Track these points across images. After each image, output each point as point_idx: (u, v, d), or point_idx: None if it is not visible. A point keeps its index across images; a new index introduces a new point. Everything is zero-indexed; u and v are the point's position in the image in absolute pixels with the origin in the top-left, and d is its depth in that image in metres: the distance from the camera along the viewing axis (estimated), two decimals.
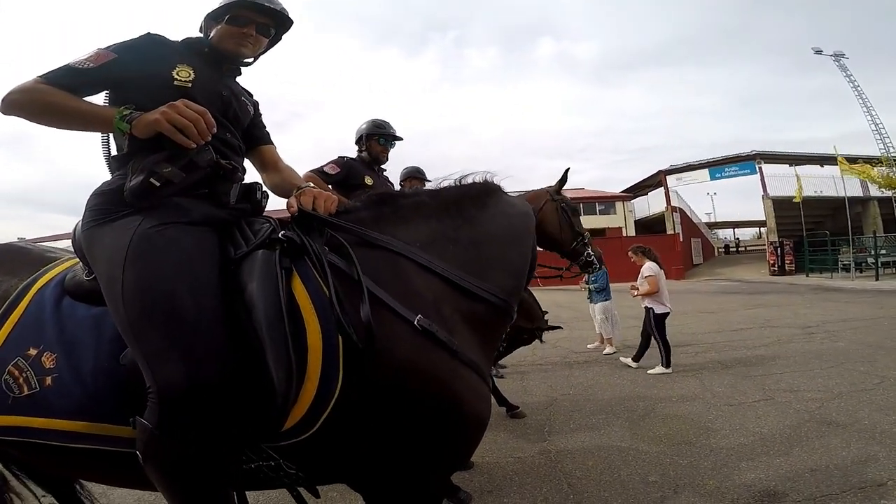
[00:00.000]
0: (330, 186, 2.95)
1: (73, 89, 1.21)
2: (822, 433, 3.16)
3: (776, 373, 4.79)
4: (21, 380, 1.12)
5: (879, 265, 17.40)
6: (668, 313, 5.28)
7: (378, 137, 3.30)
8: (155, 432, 0.98)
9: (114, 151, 1.30)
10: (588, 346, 6.82)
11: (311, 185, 1.43)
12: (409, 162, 4.50)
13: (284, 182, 1.55)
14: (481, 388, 1.22)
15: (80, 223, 1.24)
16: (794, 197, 20.32)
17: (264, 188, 1.42)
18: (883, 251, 18.42)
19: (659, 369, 5.10)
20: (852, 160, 20.69)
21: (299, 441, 1.05)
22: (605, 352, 6.32)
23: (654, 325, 5.23)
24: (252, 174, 1.54)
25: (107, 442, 1.09)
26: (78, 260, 1.33)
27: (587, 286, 6.54)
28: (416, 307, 1.14)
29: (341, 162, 3.17)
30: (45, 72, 1.21)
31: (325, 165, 3.11)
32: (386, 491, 1.18)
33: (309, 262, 1.15)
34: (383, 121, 3.37)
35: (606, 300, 6.48)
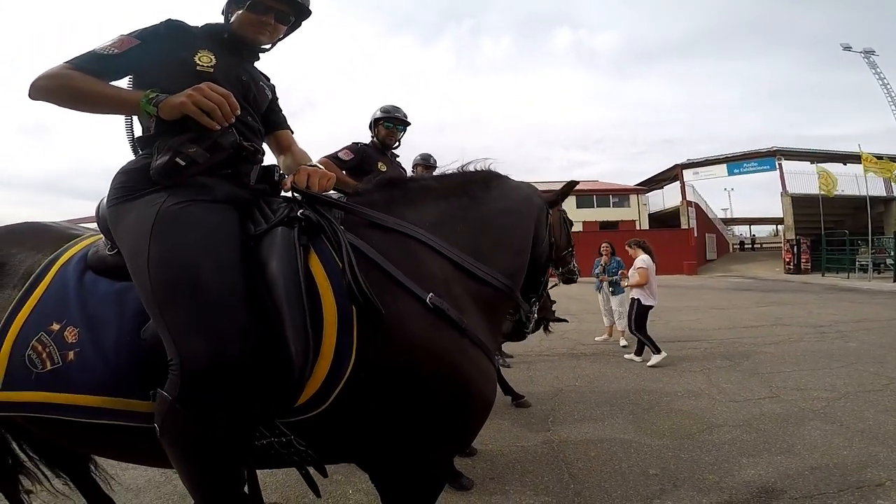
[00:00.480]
0: (344, 172, 2.99)
1: (99, 74, 1.24)
2: (826, 432, 3.17)
3: (784, 371, 4.79)
4: (44, 355, 1.14)
5: None
6: (652, 306, 5.60)
7: (384, 121, 3.35)
8: (175, 405, 1.00)
9: (137, 133, 1.34)
10: (596, 338, 6.86)
11: (312, 163, 1.48)
12: (424, 150, 4.55)
13: (294, 164, 1.57)
14: (488, 368, 1.25)
15: (105, 200, 1.28)
16: (827, 193, 19.85)
17: (281, 170, 1.44)
18: None
19: (655, 359, 5.24)
20: (877, 158, 20.15)
21: (311, 417, 1.08)
22: (621, 343, 6.35)
23: (636, 316, 5.54)
24: (269, 157, 1.58)
25: (126, 417, 1.11)
26: (99, 236, 1.37)
27: (609, 278, 6.54)
28: (427, 285, 1.18)
29: (355, 148, 3.22)
30: (70, 58, 1.24)
31: (339, 151, 3.17)
32: (391, 469, 1.22)
33: (325, 240, 1.19)
34: (392, 105, 3.42)
35: (623, 292, 6.49)
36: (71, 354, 1.14)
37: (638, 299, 5.56)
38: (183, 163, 1.16)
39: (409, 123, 3.43)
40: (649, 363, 5.25)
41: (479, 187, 1.49)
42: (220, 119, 1.17)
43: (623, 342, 6.36)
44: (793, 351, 5.69)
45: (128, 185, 1.24)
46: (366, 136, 3.45)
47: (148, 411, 1.08)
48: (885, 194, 23.72)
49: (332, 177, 1.37)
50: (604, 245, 6.77)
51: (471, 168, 1.57)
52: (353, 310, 1.09)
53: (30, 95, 1.23)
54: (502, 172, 1.63)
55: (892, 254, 17.82)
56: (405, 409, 1.13)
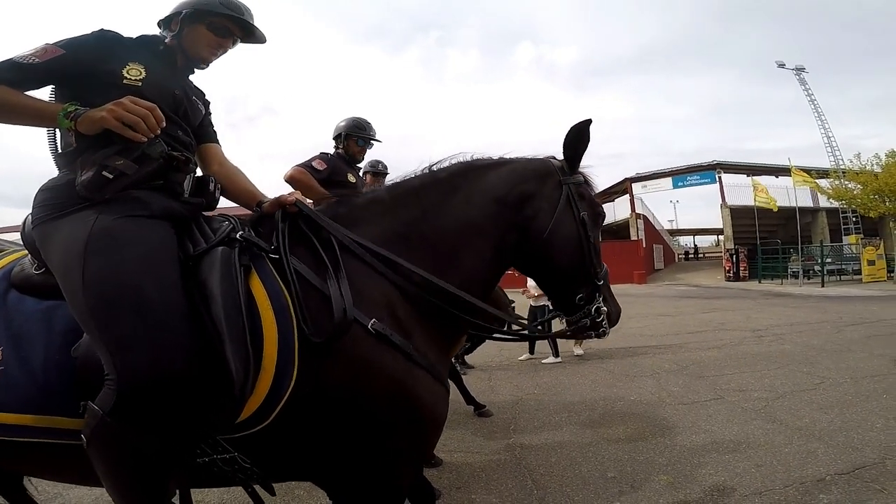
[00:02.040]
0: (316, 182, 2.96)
1: (16, 84, 1.18)
2: (767, 431, 3.37)
3: (727, 373, 5.06)
4: None
5: (825, 273, 18.49)
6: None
7: (357, 138, 3.33)
8: (106, 418, 0.99)
9: (60, 148, 1.29)
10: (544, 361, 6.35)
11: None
12: (386, 160, 4.49)
13: (227, 179, 1.53)
14: (436, 388, 1.25)
15: (31, 218, 1.23)
16: (772, 206, 21.12)
17: (216, 181, 1.42)
18: (829, 260, 19.62)
19: (550, 359, 6.07)
20: (805, 171, 21.77)
21: (254, 433, 1.09)
22: (576, 353, 6.41)
23: (549, 322, 5.75)
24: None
25: (54, 435, 1.09)
26: (22, 253, 1.33)
27: None
28: (369, 310, 1.18)
29: (326, 158, 3.20)
30: None
31: (312, 160, 3.12)
32: (345, 487, 1.22)
33: (267, 261, 1.20)
34: (364, 121, 3.39)
35: None
36: None
37: (547, 306, 5.73)
38: (111, 175, 1.14)
39: (379, 141, 3.43)
40: (545, 361, 6.05)
41: (436, 194, 1.42)
42: (145, 131, 1.15)
43: (578, 350, 6.45)
44: (734, 354, 6.02)
45: (53, 203, 1.19)
46: (329, 146, 3.42)
47: (77, 428, 1.06)
48: (812, 205, 25.63)
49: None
50: None
51: (441, 166, 1.49)
52: (295, 330, 1.11)
53: None
54: (485, 158, 1.50)
55: (820, 261, 19.26)
56: (350, 429, 1.14)
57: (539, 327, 2.06)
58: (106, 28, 1.32)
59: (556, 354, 6.14)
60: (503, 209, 1.42)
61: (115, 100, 1.15)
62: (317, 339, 1.10)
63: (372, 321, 1.16)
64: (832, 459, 2.85)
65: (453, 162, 1.50)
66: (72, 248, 1.10)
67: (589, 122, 1.44)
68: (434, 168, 1.48)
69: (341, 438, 1.14)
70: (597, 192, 1.60)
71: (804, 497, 2.44)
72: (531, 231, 1.42)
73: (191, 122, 1.46)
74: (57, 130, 1.28)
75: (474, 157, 1.51)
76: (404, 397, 1.16)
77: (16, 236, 1.43)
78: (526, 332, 1.83)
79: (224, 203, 1.47)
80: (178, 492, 1.35)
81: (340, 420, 1.13)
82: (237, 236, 1.21)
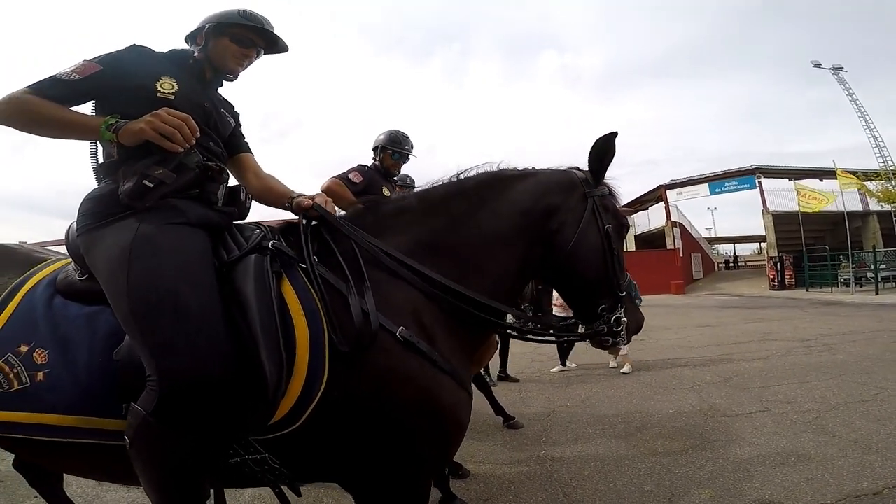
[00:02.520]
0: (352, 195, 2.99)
1: (60, 100, 1.25)
2: (819, 444, 3.15)
3: (774, 385, 4.78)
4: (11, 375, 1.15)
5: (879, 279, 17.42)
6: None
7: (392, 152, 3.36)
8: (149, 418, 1.03)
9: (101, 159, 1.35)
10: (611, 364, 6.16)
11: (305, 195, 1.48)
12: (408, 166, 4.51)
13: (264, 187, 1.60)
14: (460, 393, 1.26)
15: (76, 227, 1.29)
16: (815, 208, 20.22)
17: (248, 191, 1.49)
18: (882, 265, 18.44)
19: (558, 367, 6.12)
20: (851, 174, 20.74)
21: (285, 435, 1.11)
22: (611, 365, 6.08)
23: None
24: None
25: (97, 435, 1.13)
26: (66, 261, 1.39)
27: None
28: (397, 318, 1.21)
29: (363, 171, 3.24)
30: (31, 83, 1.25)
31: (349, 173, 3.16)
32: (369, 489, 1.23)
33: (298, 269, 1.24)
34: (401, 135, 3.40)
35: None
36: (40, 375, 1.15)
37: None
38: (151, 184, 1.19)
39: (414, 156, 3.45)
40: (552, 370, 6.09)
41: (463, 205, 1.43)
42: (181, 142, 1.20)
43: (627, 368, 5.88)
44: (781, 365, 5.70)
45: (97, 212, 1.25)
46: (363, 157, 3.46)
47: (117, 429, 1.10)
48: (861, 209, 24.35)
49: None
50: None
51: (468, 175, 1.51)
52: (326, 334, 1.14)
53: None
54: (511, 169, 1.52)
55: (873, 267, 18.18)
56: (376, 433, 1.16)
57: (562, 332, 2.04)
58: (138, 43, 1.39)
59: (564, 363, 6.18)
60: (529, 221, 1.44)
61: (149, 111, 1.21)
62: (344, 347, 1.13)
63: (400, 329, 1.18)
64: (890, 472, 2.64)
65: (480, 172, 1.52)
66: (116, 255, 1.16)
67: (615, 134, 1.45)
68: (461, 177, 1.51)
69: (367, 442, 1.16)
70: (621, 203, 1.61)
71: None
72: (556, 243, 1.44)
73: (221, 134, 1.51)
74: (98, 143, 1.34)
75: (500, 168, 1.53)
76: (430, 403, 1.18)
77: (63, 249, 1.48)
78: (544, 334, 1.79)
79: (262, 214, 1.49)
80: (212, 492, 1.38)
81: (367, 424, 1.15)
82: (268, 245, 1.25)
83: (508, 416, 3.97)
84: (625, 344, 1.51)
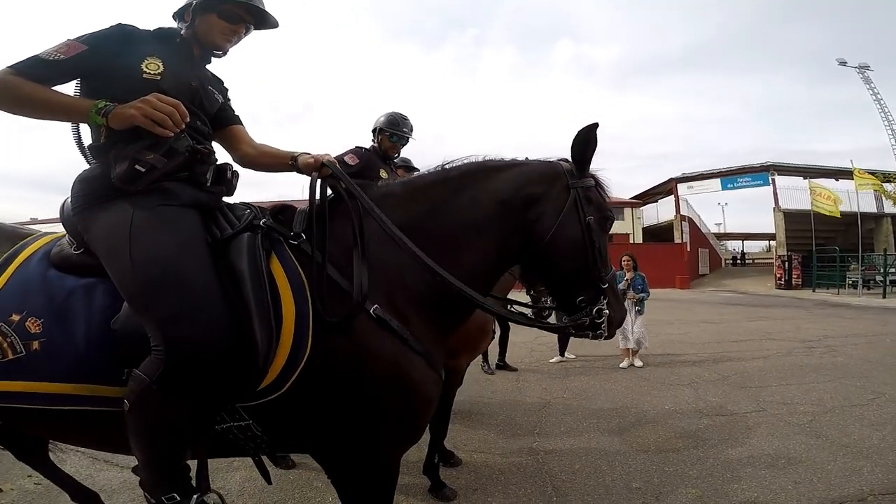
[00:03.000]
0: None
1: (43, 80, 1.24)
2: (810, 447, 3.17)
3: (772, 385, 4.80)
4: (5, 345, 1.18)
5: (888, 283, 17.23)
6: None
7: (390, 134, 3.35)
8: (152, 385, 1.09)
9: (85, 139, 1.38)
10: (621, 365, 5.86)
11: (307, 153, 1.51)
12: (416, 154, 4.47)
13: (259, 153, 1.63)
14: (428, 372, 1.32)
15: (70, 206, 1.33)
16: (832, 210, 19.94)
17: (234, 168, 1.51)
18: (892, 269, 18.22)
19: (557, 358, 6.20)
20: (870, 174, 20.37)
21: (268, 402, 1.19)
22: (637, 364, 5.84)
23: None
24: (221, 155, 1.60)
25: (95, 402, 1.18)
26: (53, 236, 1.43)
27: (637, 296, 5.86)
28: (372, 296, 1.27)
29: (360, 153, 3.24)
30: (13, 62, 1.23)
31: (345, 154, 3.16)
32: (339, 459, 1.31)
33: (286, 247, 1.32)
34: (400, 117, 3.40)
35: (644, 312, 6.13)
36: (35, 344, 1.19)
37: None
38: (143, 169, 1.22)
39: (413, 139, 3.44)
40: (552, 360, 6.17)
41: (444, 193, 1.46)
42: (172, 127, 1.22)
43: (638, 362, 5.85)
44: (781, 365, 5.70)
45: (91, 193, 1.29)
46: (366, 141, 3.45)
47: (113, 396, 1.16)
48: (875, 210, 23.99)
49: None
50: (625, 258, 5.94)
51: (455, 165, 1.52)
52: (310, 308, 1.22)
53: None
54: (497, 160, 1.53)
55: (882, 270, 17.98)
56: (349, 404, 1.23)
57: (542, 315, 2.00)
58: (123, 22, 1.37)
59: (562, 354, 6.25)
60: (507, 210, 1.44)
61: (134, 92, 1.22)
62: (329, 318, 1.21)
63: (374, 307, 1.25)
64: (878, 479, 2.66)
65: (466, 162, 1.53)
66: (116, 234, 1.21)
67: (595, 125, 1.45)
68: (447, 167, 1.52)
69: (340, 412, 1.24)
70: (609, 194, 1.59)
71: None
72: (534, 234, 1.45)
73: (207, 112, 1.52)
74: (81, 125, 1.35)
75: (487, 158, 1.54)
76: (399, 379, 1.25)
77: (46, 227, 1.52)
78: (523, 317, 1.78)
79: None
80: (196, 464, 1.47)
81: (341, 395, 1.23)
82: (260, 223, 1.33)
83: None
84: (605, 338, 1.50)
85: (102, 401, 1.18)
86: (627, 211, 32.49)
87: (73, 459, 2.81)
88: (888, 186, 20.98)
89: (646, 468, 2.92)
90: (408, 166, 4.27)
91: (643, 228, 32.08)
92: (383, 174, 3.23)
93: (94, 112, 1.22)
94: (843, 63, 28.48)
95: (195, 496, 1.17)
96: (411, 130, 3.42)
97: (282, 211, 1.47)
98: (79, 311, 1.22)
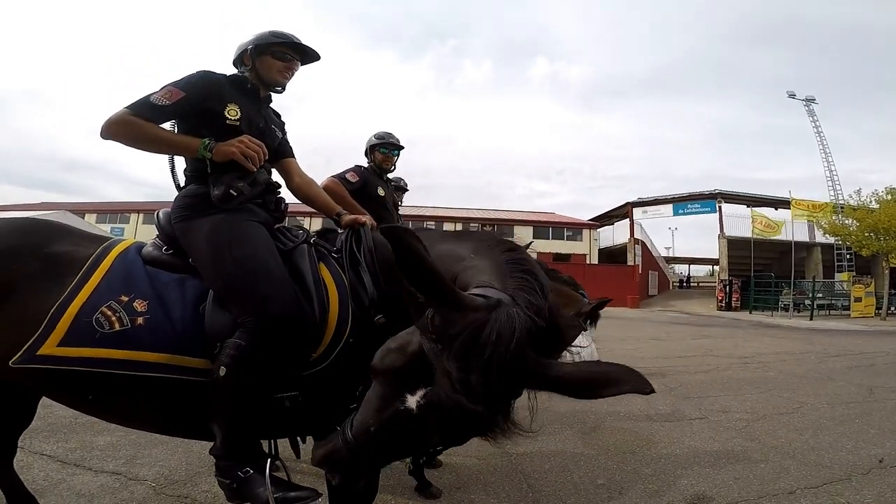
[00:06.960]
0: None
1: (154, 120, 1.56)
2: (746, 448, 3.60)
3: (712, 395, 5.30)
4: (114, 318, 1.41)
5: (815, 307, 18.81)
6: None
7: (380, 147, 3.65)
8: (248, 348, 1.38)
9: (179, 165, 1.71)
10: None
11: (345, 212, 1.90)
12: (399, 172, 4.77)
13: (303, 191, 2.02)
14: None
15: (171, 215, 1.65)
16: (767, 235, 21.24)
17: (285, 200, 1.87)
18: (819, 295, 19.92)
19: None
20: (805, 204, 21.97)
21: (315, 373, 1.46)
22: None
23: None
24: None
25: (183, 371, 1.42)
26: (131, 240, 1.73)
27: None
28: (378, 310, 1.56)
29: (360, 171, 3.50)
30: (130, 104, 1.54)
31: (346, 173, 3.42)
32: None
33: (331, 258, 1.66)
34: (385, 133, 3.72)
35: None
36: (140, 320, 1.43)
37: None
38: (235, 193, 1.62)
39: (402, 147, 3.73)
40: None
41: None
42: (257, 163, 1.63)
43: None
44: (720, 378, 6.26)
45: (193, 206, 1.63)
46: (362, 160, 3.73)
47: (199, 367, 1.42)
48: (808, 240, 25.89)
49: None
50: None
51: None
52: (349, 300, 1.53)
53: (102, 136, 1.53)
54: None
55: (811, 295, 19.58)
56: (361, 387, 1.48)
57: None
58: (207, 70, 1.68)
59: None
60: None
61: (220, 135, 1.60)
62: (359, 313, 1.51)
63: (378, 317, 1.51)
64: (803, 475, 3.09)
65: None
66: (216, 240, 1.55)
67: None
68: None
69: (357, 393, 1.41)
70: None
71: None
72: None
73: (270, 147, 1.80)
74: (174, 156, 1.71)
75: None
76: None
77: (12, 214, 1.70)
78: None
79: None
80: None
81: (358, 377, 1.39)
82: (311, 241, 1.70)
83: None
84: None
85: (190, 370, 1.42)
86: (586, 232, 33.72)
87: (40, 464, 2.78)
88: (820, 217, 22.50)
89: (608, 467, 3.26)
90: (399, 187, 4.55)
91: (600, 250, 33.29)
92: (380, 191, 3.51)
93: (202, 148, 1.58)
94: (793, 95, 29.60)
95: (269, 460, 1.41)
96: (399, 141, 3.73)
97: (326, 232, 1.83)
98: (175, 298, 1.50)
